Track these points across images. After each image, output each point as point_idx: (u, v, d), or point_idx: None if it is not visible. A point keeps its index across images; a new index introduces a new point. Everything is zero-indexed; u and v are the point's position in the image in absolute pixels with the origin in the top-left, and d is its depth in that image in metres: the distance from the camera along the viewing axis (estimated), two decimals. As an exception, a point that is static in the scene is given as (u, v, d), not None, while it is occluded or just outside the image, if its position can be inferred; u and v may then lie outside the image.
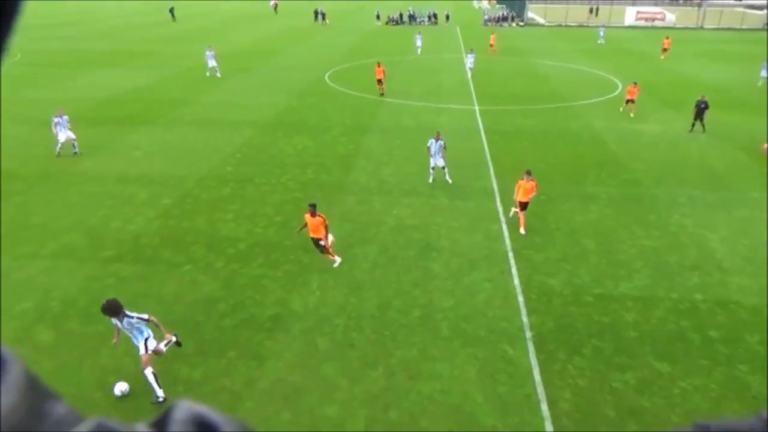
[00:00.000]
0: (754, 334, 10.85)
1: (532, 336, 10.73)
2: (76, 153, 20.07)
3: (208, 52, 33.87)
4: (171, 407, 0.45)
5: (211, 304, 11.58)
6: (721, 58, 42.90)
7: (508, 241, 14.27)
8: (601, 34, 51.22)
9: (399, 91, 30.56)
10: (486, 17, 68.63)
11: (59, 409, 0.44)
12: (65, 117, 19.92)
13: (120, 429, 0.41)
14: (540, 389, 9.39)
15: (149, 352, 8.95)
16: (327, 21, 65.15)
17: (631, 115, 25.37)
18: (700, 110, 22.81)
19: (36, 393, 0.44)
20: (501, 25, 66.20)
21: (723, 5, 73.53)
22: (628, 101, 25.53)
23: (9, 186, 17.34)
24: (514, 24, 66.67)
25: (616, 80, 33.64)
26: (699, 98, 23.18)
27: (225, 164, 19.42)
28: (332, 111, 26.50)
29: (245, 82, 32.96)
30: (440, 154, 17.47)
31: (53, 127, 19.72)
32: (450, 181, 17.64)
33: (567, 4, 79.08)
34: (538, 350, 10.35)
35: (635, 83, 25.72)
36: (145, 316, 8.90)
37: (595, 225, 15.20)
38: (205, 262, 13.14)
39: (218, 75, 33.83)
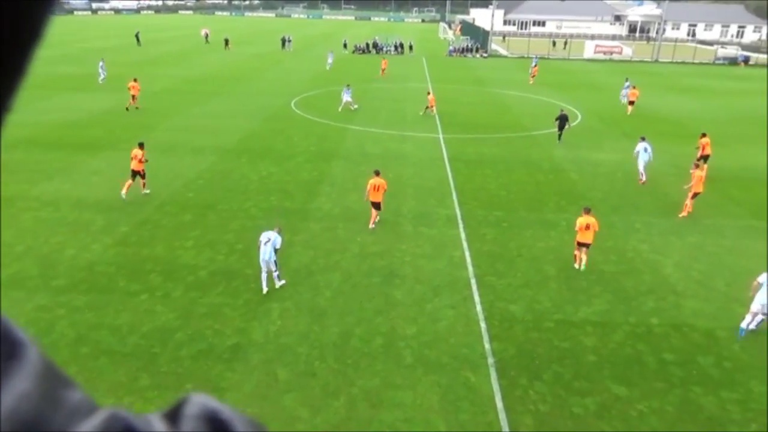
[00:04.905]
0: (707, 357, 11.11)
1: (495, 362, 10.76)
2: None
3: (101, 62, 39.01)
4: (184, 401, 0.44)
5: (168, 334, 11.28)
6: (676, 89, 44.68)
7: (471, 268, 14.38)
8: (534, 63, 49.70)
9: (364, 118, 30.80)
10: (451, 48, 70.11)
11: (74, 396, 0.43)
12: None
13: (133, 420, 0.41)
14: (502, 416, 9.39)
15: None
16: (291, 48, 65.73)
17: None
18: (562, 122, 26.41)
19: (51, 379, 0.42)
20: (465, 56, 67.72)
21: (676, 40, 76.83)
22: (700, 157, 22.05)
23: (-42, 212, 16.70)
24: (478, 55, 68.26)
25: (576, 111, 34.62)
26: (560, 112, 26.91)
27: (186, 190, 19.15)
28: (298, 137, 26.51)
29: (210, 107, 32.76)
30: (274, 255, 12.59)
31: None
32: (279, 284, 13.00)
33: (529, 38, 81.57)
34: (501, 376, 10.37)
35: (704, 134, 23.50)
36: None
37: (555, 251, 15.45)
38: (163, 291, 12.84)
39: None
